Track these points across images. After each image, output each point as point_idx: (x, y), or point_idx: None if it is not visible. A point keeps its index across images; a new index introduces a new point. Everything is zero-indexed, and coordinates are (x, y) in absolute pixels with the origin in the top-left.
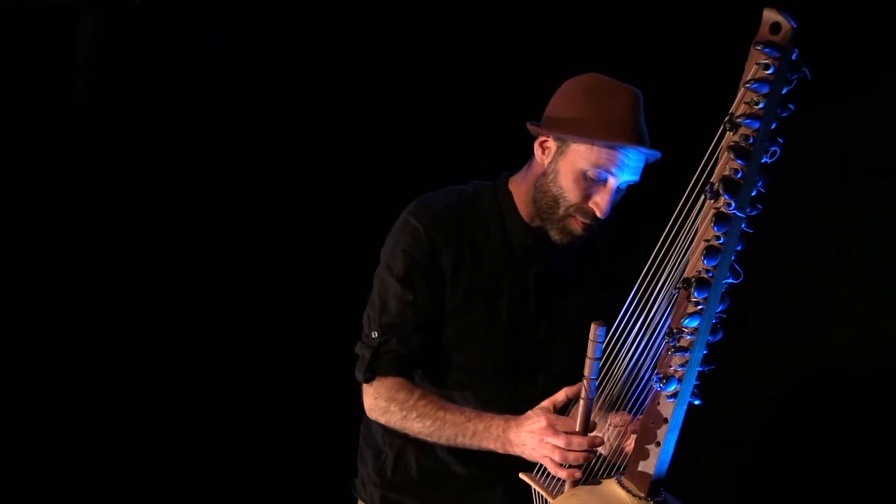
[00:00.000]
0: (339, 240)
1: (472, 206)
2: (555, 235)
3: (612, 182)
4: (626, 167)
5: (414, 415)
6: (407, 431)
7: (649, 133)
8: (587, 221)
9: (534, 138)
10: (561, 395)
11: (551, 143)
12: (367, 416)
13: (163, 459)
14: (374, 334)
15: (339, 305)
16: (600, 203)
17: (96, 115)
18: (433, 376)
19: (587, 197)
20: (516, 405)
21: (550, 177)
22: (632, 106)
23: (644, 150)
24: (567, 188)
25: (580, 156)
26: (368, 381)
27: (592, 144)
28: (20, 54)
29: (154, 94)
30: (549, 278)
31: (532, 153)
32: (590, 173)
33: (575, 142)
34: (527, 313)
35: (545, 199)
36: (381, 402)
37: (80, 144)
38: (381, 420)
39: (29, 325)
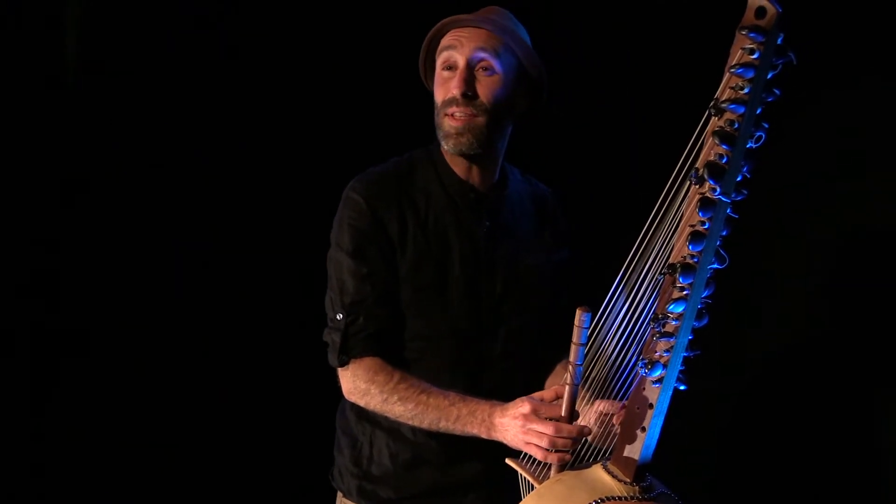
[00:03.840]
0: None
1: (410, 173)
2: (447, 145)
3: (458, 61)
4: (462, 41)
5: (395, 398)
6: (387, 414)
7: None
8: (453, 109)
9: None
10: (549, 393)
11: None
12: (342, 405)
13: (140, 453)
14: (340, 316)
15: (311, 292)
16: (452, 84)
17: (85, 89)
18: (397, 349)
19: (448, 90)
20: (482, 366)
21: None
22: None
23: (467, 17)
24: (437, 96)
25: (436, 66)
26: (344, 364)
27: (435, 49)
28: (6, 25)
29: (146, 67)
30: (500, 234)
31: None
32: (442, 67)
33: (433, 63)
34: (479, 269)
35: (436, 123)
36: (360, 383)
37: (68, 119)
38: (361, 402)
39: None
